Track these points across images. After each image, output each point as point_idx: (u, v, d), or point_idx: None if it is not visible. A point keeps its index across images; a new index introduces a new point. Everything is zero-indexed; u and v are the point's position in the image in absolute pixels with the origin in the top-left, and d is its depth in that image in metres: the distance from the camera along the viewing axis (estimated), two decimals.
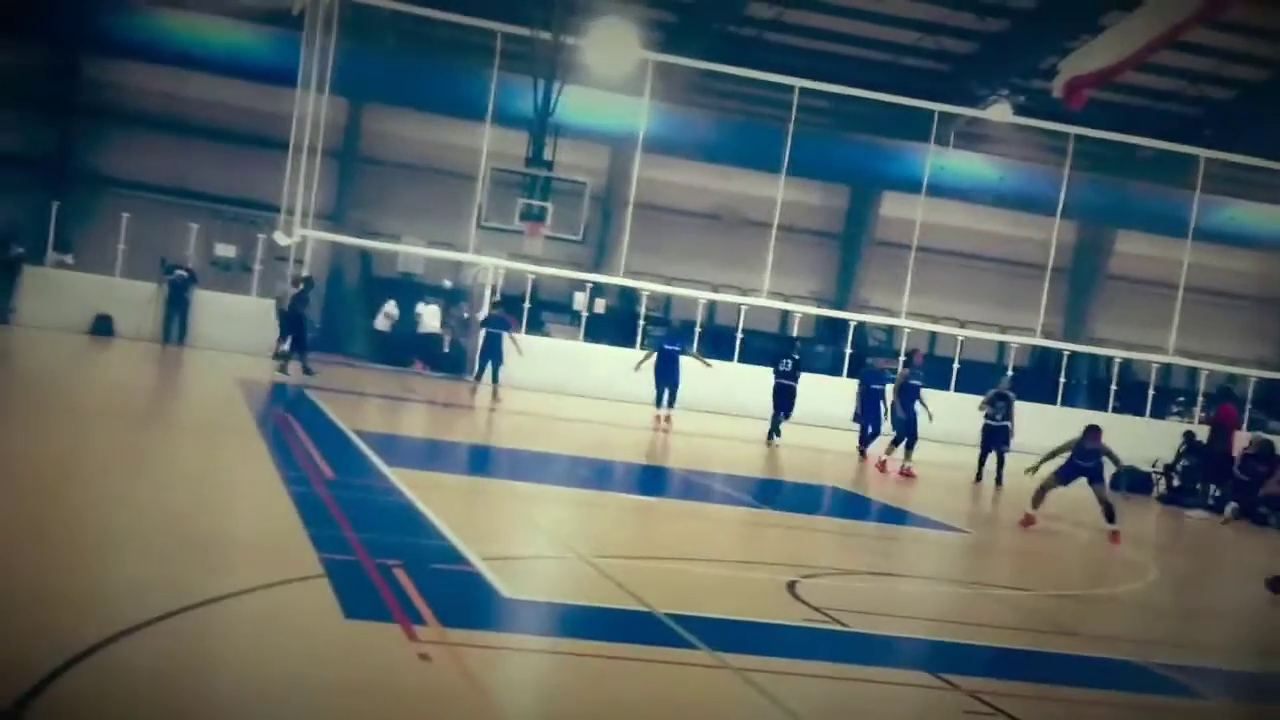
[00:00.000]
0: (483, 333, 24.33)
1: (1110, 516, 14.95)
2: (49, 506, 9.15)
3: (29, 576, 7.13)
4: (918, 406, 20.67)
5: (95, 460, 11.60)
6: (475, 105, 28.77)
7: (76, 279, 28.04)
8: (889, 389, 21.32)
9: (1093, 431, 15.21)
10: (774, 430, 22.75)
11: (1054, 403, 30.47)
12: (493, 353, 23.36)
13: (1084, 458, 15.12)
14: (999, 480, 20.27)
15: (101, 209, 31.35)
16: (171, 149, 33.32)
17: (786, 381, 22.96)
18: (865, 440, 21.88)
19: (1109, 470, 15.78)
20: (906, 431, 20.49)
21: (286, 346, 23.20)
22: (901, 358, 23.18)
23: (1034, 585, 11.68)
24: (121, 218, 27.97)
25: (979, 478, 20.69)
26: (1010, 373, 29.39)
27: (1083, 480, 15.05)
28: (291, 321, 23.48)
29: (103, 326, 27.37)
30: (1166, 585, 13.04)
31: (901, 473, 19.95)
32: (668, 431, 22.56)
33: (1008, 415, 20.77)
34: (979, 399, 21.23)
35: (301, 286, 24.39)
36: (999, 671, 8.11)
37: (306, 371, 22.81)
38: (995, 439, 20.73)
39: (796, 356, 23.45)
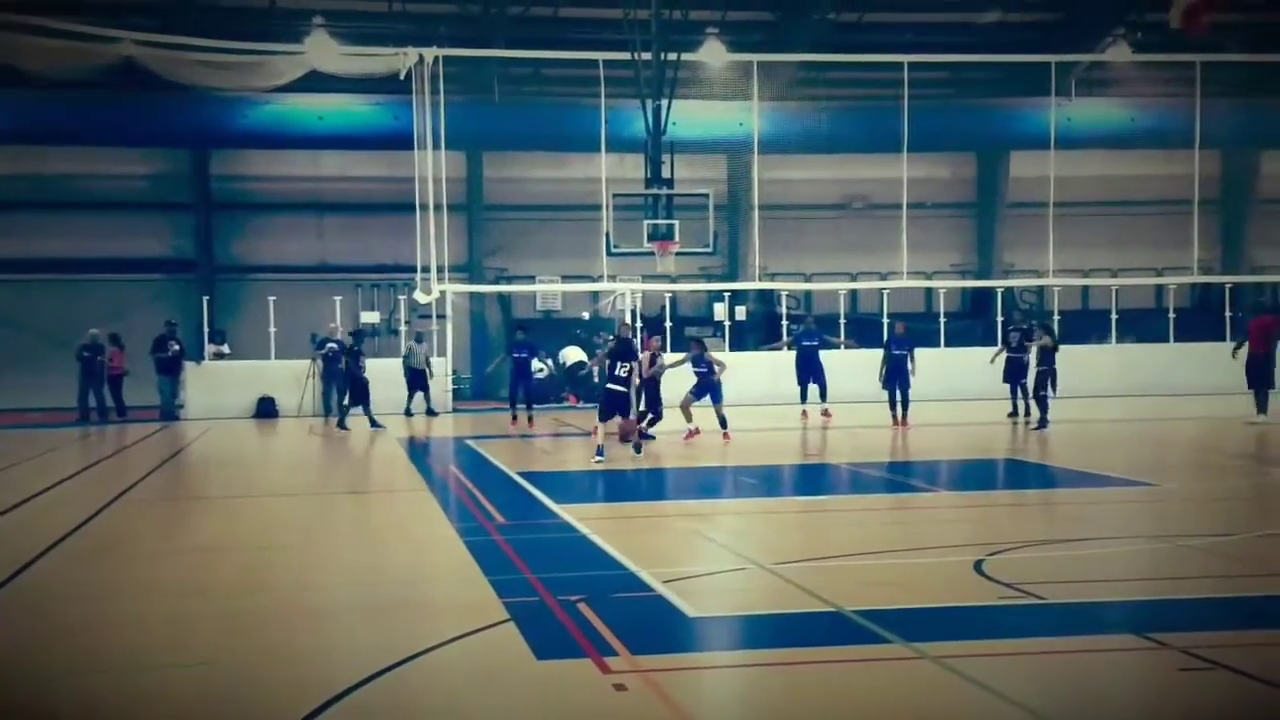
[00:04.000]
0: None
1: None
2: (248, 579, 9.42)
3: (240, 652, 7.34)
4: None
5: (279, 534, 11.91)
6: (588, 136, 29.06)
7: (235, 367, 29.07)
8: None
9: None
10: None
11: (1223, 339, 29.33)
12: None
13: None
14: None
15: (248, 296, 32.54)
16: (305, 228, 34.41)
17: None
18: (894, 404, 22.32)
19: None
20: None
21: (347, 403, 24.25)
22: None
23: (1236, 528, 11.18)
24: (268, 301, 28.89)
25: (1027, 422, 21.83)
26: (1171, 315, 28.36)
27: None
28: (352, 381, 24.44)
29: (266, 408, 28.28)
30: None
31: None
32: (827, 426, 22.35)
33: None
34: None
35: (352, 342, 25.04)
36: (1211, 623, 7.76)
37: (374, 425, 23.89)
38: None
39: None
